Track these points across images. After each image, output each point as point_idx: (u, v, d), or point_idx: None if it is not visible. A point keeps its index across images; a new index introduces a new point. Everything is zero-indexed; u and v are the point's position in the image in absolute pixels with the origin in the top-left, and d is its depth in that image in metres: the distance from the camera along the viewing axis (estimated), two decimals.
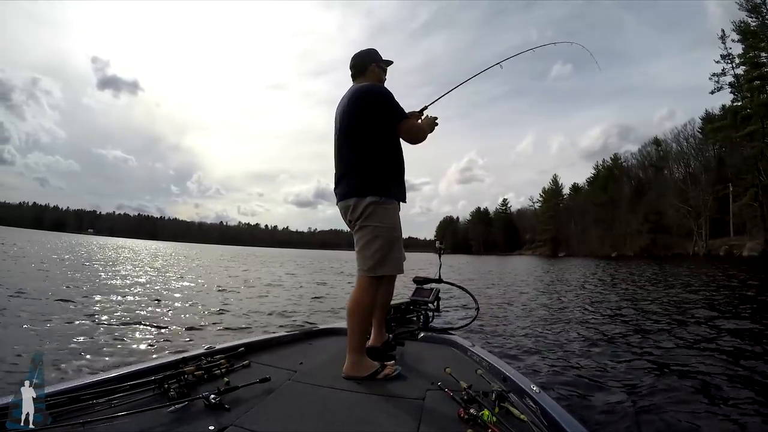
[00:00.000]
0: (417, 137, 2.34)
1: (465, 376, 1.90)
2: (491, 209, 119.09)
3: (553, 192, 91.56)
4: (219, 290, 10.11)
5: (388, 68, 2.54)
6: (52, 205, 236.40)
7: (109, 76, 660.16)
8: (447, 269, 24.97)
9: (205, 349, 2.19)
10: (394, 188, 2.27)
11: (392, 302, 2.74)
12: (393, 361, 2.22)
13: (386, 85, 2.49)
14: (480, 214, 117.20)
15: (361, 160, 2.21)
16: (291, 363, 2.24)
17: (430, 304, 3.21)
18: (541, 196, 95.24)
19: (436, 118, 2.48)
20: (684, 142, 60.33)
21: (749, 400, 3.13)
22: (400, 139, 2.36)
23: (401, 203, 2.38)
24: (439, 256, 3.54)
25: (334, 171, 2.37)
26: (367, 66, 2.41)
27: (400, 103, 2.30)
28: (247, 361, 2.14)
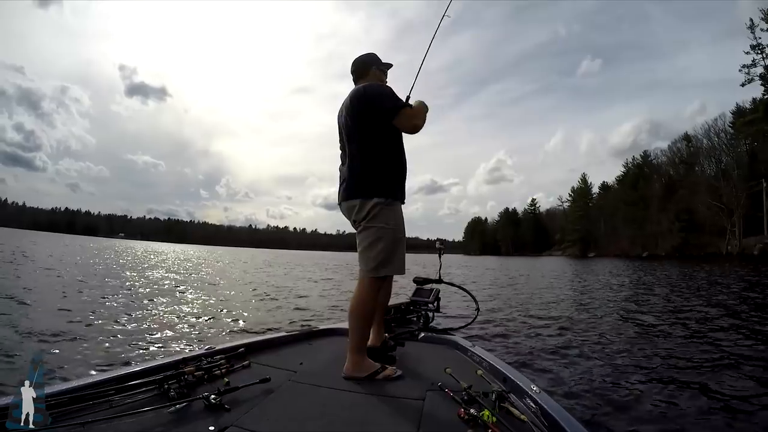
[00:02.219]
0: (416, 124, 2.21)
1: (465, 377, 1.89)
2: (520, 209, 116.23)
3: (582, 191, 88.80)
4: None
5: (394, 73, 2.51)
6: (83, 210, 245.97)
7: (136, 83, 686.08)
8: (469, 270, 24.78)
9: (205, 350, 2.21)
10: (398, 189, 2.27)
11: (392, 302, 2.73)
12: (394, 366, 2.19)
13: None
14: (509, 215, 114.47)
15: (366, 161, 2.21)
16: (291, 363, 2.25)
17: (430, 305, 3.22)
18: (570, 195, 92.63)
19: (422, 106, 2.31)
20: (715, 138, 57.89)
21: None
22: (401, 139, 2.34)
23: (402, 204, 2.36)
24: (439, 256, 3.55)
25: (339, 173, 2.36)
26: (369, 69, 2.42)
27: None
28: (247, 362, 2.15)
